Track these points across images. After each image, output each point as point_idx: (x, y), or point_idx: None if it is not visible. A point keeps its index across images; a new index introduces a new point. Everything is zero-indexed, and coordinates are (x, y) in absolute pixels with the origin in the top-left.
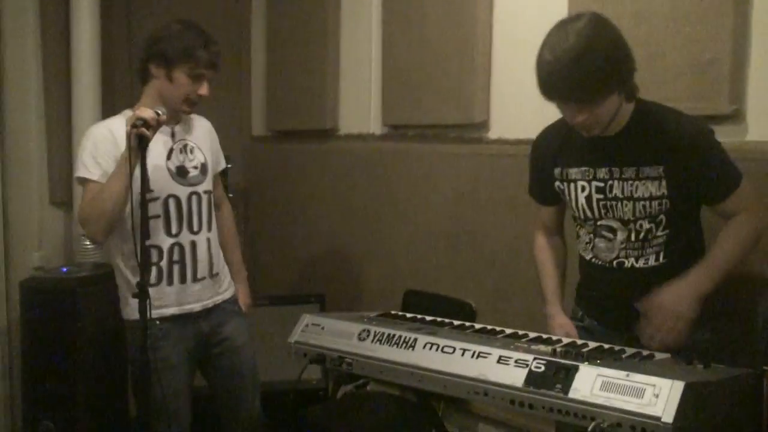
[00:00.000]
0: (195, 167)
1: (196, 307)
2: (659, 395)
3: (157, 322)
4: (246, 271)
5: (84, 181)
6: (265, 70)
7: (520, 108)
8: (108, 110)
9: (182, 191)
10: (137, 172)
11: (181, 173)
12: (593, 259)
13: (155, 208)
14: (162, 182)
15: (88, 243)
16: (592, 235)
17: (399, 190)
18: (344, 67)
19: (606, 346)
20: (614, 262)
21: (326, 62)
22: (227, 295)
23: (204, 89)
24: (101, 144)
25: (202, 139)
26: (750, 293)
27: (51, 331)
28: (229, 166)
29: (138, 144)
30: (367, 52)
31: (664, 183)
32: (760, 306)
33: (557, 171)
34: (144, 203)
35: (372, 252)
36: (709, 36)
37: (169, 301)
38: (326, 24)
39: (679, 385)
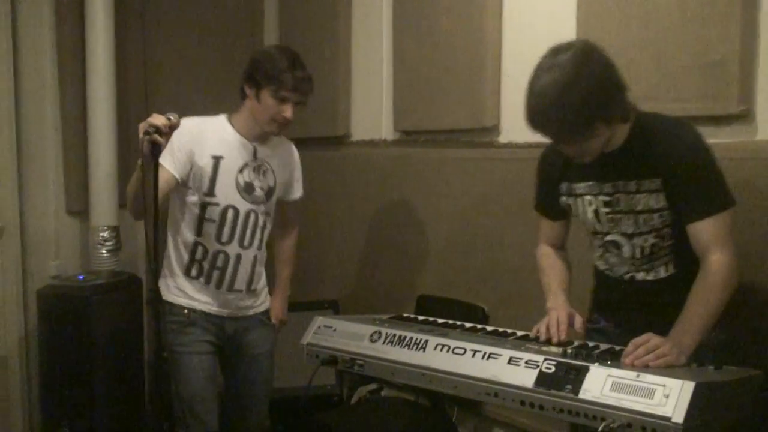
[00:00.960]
0: (262, 188)
1: (224, 312)
2: (669, 396)
3: (185, 311)
4: (289, 291)
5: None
6: None
7: None
8: (123, 121)
9: (243, 206)
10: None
11: (247, 189)
12: (607, 271)
13: (213, 213)
14: (227, 191)
15: (104, 251)
16: (602, 249)
17: (411, 195)
18: (356, 74)
19: (617, 347)
20: (626, 276)
21: (338, 69)
22: (260, 309)
23: (288, 112)
24: (181, 136)
25: (283, 166)
26: (764, 294)
27: (68, 339)
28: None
29: (150, 151)
30: (379, 58)
31: (662, 196)
32: None
33: (564, 186)
34: (156, 214)
35: (385, 257)
36: (717, 37)
37: (201, 298)
38: (338, 31)
39: (689, 386)
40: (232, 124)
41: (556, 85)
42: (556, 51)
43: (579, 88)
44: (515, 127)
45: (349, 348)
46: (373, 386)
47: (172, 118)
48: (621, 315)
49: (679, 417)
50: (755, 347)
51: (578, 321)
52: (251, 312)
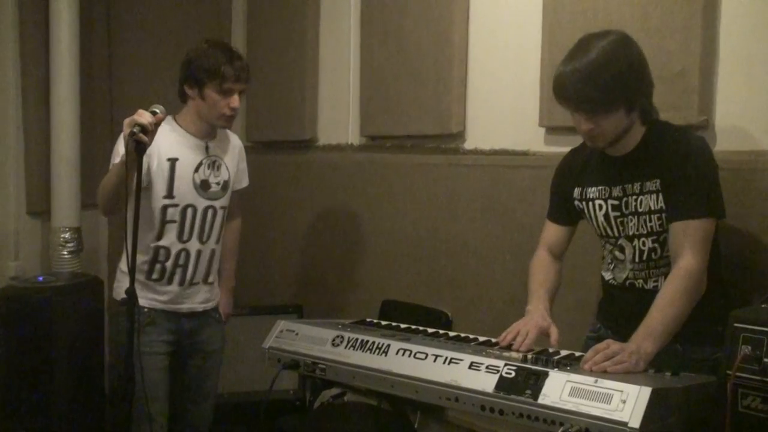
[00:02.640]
0: (218, 183)
1: (183, 308)
2: (626, 401)
3: (145, 310)
4: (234, 282)
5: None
6: None
7: (495, 119)
8: (86, 121)
9: (201, 203)
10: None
11: (204, 187)
12: (611, 280)
13: (173, 214)
14: (185, 192)
15: (65, 253)
16: (611, 255)
17: (377, 200)
18: (323, 78)
19: (577, 353)
20: (626, 282)
21: (305, 74)
22: (215, 303)
23: (235, 102)
24: None
25: (231, 157)
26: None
27: (27, 341)
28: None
29: (135, 148)
30: (346, 63)
31: (661, 197)
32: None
33: (577, 191)
34: (137, 211)
35: (350, 262)
36: (678, 48)
37: (162, 297)
38: (305, 36)
39: (646, 391)
40: (180, 125)
41: (594, 61)
42: (593, 36)
43: (612, 67)
44: (481, 133)
45: (311, 352)
46: (336, 391)
47: (158, 111)
48: (620, 323)
49: (635, 422)
50: None
51: (554, 334)
52: (209, 306)
